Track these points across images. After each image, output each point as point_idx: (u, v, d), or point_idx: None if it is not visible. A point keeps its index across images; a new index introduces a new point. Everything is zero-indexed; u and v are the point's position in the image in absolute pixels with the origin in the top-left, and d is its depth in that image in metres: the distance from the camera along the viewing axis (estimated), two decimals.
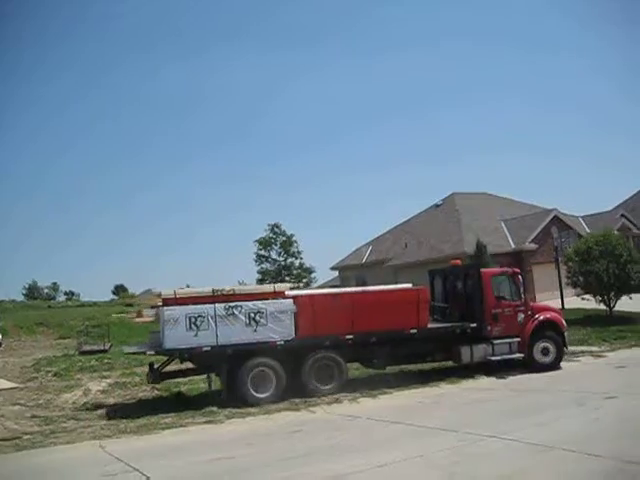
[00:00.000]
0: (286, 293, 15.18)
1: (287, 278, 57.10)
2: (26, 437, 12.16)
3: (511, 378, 15.68)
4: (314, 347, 14.81)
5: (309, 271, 60.47)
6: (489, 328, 16.37)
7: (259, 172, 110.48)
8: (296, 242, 58.94)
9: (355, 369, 16.70)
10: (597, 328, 23.48)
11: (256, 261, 58.84)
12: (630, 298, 25.65)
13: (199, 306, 14.02)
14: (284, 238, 58.72)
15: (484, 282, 16.73)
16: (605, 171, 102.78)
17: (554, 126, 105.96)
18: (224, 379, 14.29)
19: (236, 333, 14.11)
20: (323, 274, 60.52)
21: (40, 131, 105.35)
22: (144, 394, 16.35)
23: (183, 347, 13.94)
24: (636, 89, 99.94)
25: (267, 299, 14.66)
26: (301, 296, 15.51)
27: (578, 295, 27.43)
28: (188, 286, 38.01)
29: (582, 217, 41.74)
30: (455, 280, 17.89)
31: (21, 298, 62.72)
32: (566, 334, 17.17)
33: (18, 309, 41.17)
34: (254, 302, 14.42)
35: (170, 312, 13.85)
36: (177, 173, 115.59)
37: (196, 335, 13.84)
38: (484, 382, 15.48)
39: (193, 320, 13.84)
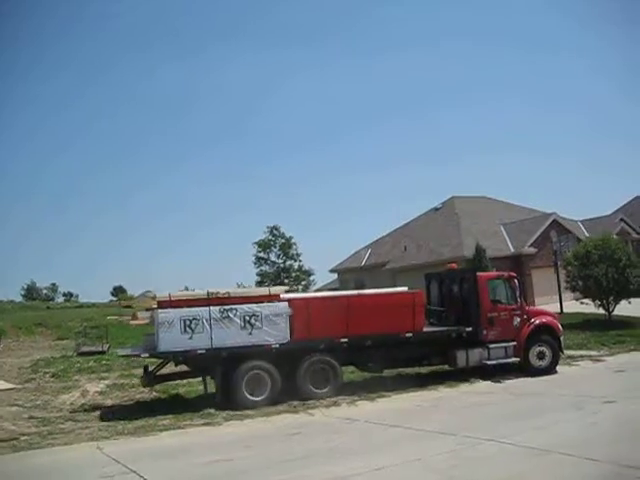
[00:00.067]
0: (281, 296, 15.15)
1: (286, 280, 57.10)
2: (23, 438, 12.13)
3: (509, 382, 15.68)
4: (309, 350, 14.78)
5: (308, 274, 60.48)
6: (485, 332, 16.35)
7: (258, 172, 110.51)
8: (295, 244, 59.00)
9: (353, 372, 16.71)
10: (596, 332, 23.50)
11: (255, 263, 58.87)
12: (629, 302, 25.65)
13: (194, 309, 13.99)
14: (283, 240, 58.75)
15: (480, 286, 16.72)
16: (604, 175, 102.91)
17: (554, 128, 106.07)
18: (218, 382, 14.27)
19: (231, 336, 14.08)
20: (322, 277, 60.74)
21: (37, 131, 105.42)
22: (142, 396, 16.32)
23: (177, 350, 13.91)
24: (636, 91, 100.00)
25: (262, 302, 14.62)
26: (296, 299, 15.50)
27: (577, 299, 27.42)
28: (187, 288, 38.13)
29: (581, 221, 41.79)
30: (451, 284, 17.88)
31: (19, 299, 62.73)
32: (562, 338, 17.20)
33: (17, 310, 41.07)
34: (249, 305, 14.39)
35: (164, 315, 13.81)
36: (175, 172, 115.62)
37: (191, 338, 13.81)
38: (483, 386, 15.47)
39: (188, 323, 13.80)
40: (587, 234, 36.22)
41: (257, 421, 12.82)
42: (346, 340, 15.00)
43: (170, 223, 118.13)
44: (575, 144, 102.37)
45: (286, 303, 14.75)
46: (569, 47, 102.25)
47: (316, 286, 58.37)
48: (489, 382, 15.74)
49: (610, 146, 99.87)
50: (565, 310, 28.58)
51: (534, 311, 17.87)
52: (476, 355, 16.14)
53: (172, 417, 13.24)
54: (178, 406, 14.34)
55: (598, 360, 18.62)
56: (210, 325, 13.93)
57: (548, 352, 16.61)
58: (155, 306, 14.84)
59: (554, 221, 37.06)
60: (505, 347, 16.39)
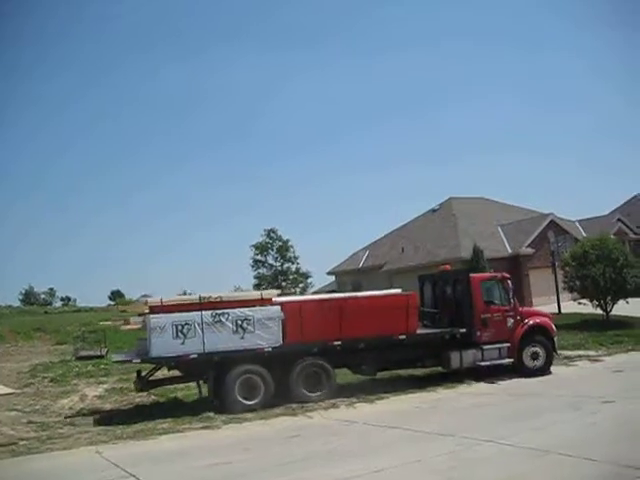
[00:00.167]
0: (273, 300, 15.12)
1: (284, 283, 57.24)
2: (22, 443, 12.12)
3: (506, 383, 15.70)
4: (302, 354, 14.76)
5: (305, 276, 60.65)
6: (478, 333, 16.35)
7: (258, 173, 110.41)
8: (292, 247, 59.11)
9: (351, 374, 16.67)
10: (594, 332, 23.53)
11: (253, 266, 59.00)
12: (627, 302, 25.68)
13: (186, 314, 13.95)
14: (280, 243, 58.85)
15: (473, 287, 16.72)
16: (601, 175, 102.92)
17: (552, 128, 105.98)
18: (211, 386, 14.26)
19: (223, 340, 14.05)
20: (320, 279, 60.61)
21: (39, 131, 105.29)
22: (141, 399, 16.31)
23: (170, 355, 13.87)
24: (634, 93, 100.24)
25: (254, 306, 14.59)
26: (288, 302, 15.48)
27: (575, 299, 27.46)
28: (185, 292, 38.08)
29: (578, 221, 41.87)
30: (444, 285, 17.90)
31: (17, 304, 62.69)
32: (556, 339, 17.21)
33: (14, 315, 41.07)
34: (241, 309, 14.37)
35: (156, 320, 13.78)
36: (175, 174, 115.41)
37: (183, 343, 13.78)
38: (481, 387, 15.48)
39: (180, 328, 13.77)
40: (584, 234, 36.28)
41: (256, 424, 12.82)
42: (339, 343, 14.97)
43: (168, 225, 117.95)
44: (572, 144, 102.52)
45: (278, 307, 14.73)
46: (567, 48, 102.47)
47: (314, 288, 58.52)
48: (489, 383, 15.74)
49: (608, 146, 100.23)
50: (563, 310, 28.64)
51: (528, 312, 17.86)
52: (470, 356, 16.13)
53: (171, 421, 13.23)
54: (177, 410, 14.32)
55: (596, 360, 18.65)
56: (202, 330, 13.90)
57: (542, 352, 16.61)
58: (147, 311, 14.80)
59: (551, 221, 37.12)
60: (499, 348, 16.39)
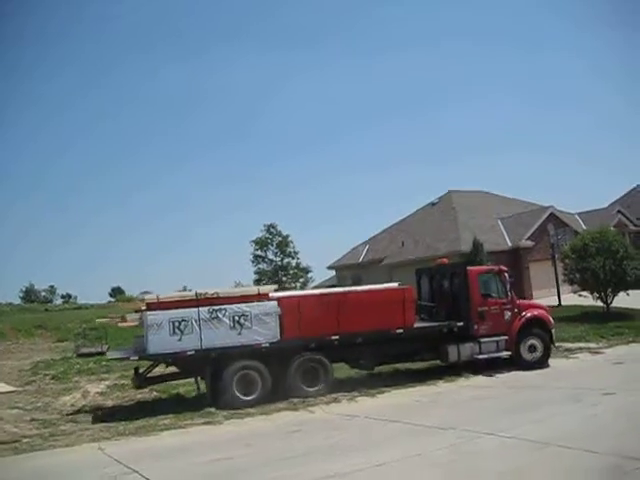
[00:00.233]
0: (270, 295, 15.11)
1: (284, 278, 57.25)
2: (25, 440, 12.15)
3: (506, 376, 15.73)
4: (300, 349, 14.75)
5: (306, 271, 60.64)
6: (476, 327, 16.36)
7: (258, 172, 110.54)
8: (292, 242, 59.11)
9: (351, 369, 16.69)
10: (594, 325, 23.54)
11: (253, 261, 59.00)
12: (627, 294, 25.70)
13: (182, 310, 13.94)
14: (280, 238, 58.85)
15: (470, 280, 16.72)
16: (601, 168, 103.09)
17: (551, 124, 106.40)
18: (208, 383, 14.27)
19: (220, 336, 14.04)
20: (320, 274, 60.59)
21: (39, 130, 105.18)
22: (142, 396, 16.34)
23: (167, 352, 13.87)
24: (631, 89, 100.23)
25: (251, 301, 14.58)
26: (285, 298, 15.41)
27: (575, 292, 27.49)
28: (185, 288, 38.08)
29: (578, 214, 41.83)
30: (442, 279, 17.89)
31: (18, 301, 62.67)
32: (553, 331, 17.21)
33: (15, 312, 41.08)
34: (238, 305, 14.35)
35: (153, 317, 13.77)
36: (175, 173, 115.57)
37: (180, 339, 13.77)
38: (481, 380, 15.50)
39: (177, 324, 13.76)
40: (584, 227, 36.29)
41: (257, 419, 12.85)
42: (337, 337, 14.98)
43: (169, 223, 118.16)
44: (572, 140, 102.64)
45: (275, 302, 14.72)
46: (567, 48, 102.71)
47: (314, 283, 58.52)
48: (487, 376, 15.77)
49: (607, 140, 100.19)
50: (563, 303, 28.67)
51: (525, 304, 17.85)
52: (467, 350, 16.14)
53: (173, 417, 13.26)
54: (178, 406, 14.36)
55: (597, 352, 18.67)
56: (199, 326, 13.90)
57: (539, 345, 16.62)
58: (144, 308, 14.81)
59: (551, 214, 37.09)
60: (496, 341, 16.40)
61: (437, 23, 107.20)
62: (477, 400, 13.01)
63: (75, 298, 73.44)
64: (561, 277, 28.77)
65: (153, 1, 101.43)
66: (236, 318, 14.23)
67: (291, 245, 59.20)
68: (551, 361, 17.10)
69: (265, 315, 14.45)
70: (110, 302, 58.67)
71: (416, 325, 16.09)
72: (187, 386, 16.49)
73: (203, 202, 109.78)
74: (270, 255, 59.19)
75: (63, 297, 79.12)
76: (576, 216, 41.18)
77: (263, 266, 58.98)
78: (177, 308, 13.98)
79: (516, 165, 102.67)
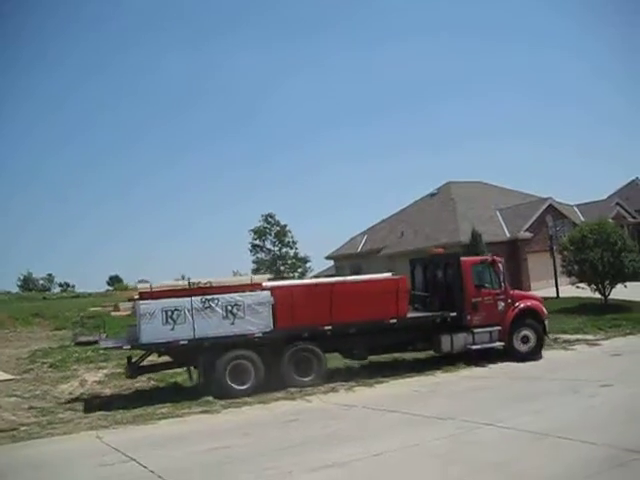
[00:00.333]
0: (263, 285, 15.09)
1: (282, 268, 57.29)
2: (23, 428, 12.17)
3: (501, 366, 15.77)
4: (293, 339, 14.76)
5: (304, 261, 60.73)
6: (469, 317, 16.37)
7: (258, 162, 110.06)
8: (290, 232, 59.16)
9: (344, 359, 16.69)
10: (592, 316, 23.57)
11: (251, 251, 59.08)
12: (625, 286, 25.70)
13: (175, 300, 13.92)
14: (278, 228, 58.87)
15: (464, 271, 16.71)
16: (600, 160, 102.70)
17: (550, 116, 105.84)
18: (201, 372, 14.27)
19: (213, 326, 14.04)
20: (319, 263, 60.59)
21: (39, 122, 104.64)
22: (140, 384, 16.34)
23: (160, 341, 13.86)
24: (632, 87, 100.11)
25: (244, 291, 14.57)
26: (279, 287, 15.42)
27: (573, 284, 27.48)
28: (183, 277, 38.01)
29: (577, 206, 41.77)
30: (435, 269, 17.88)
31: (16, 289, 62.62)
32: (546, 322, 17.22)
33: (13, 300, 40.99)
34: (231, 295, 14.33)
35: (146, 306, 13.75)
36: (176, 163, 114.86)
37: (173, 329, 13.76)
38: (479, 370, 15.53)
39: (169, 314, 13.75)
40: (583, 218, 36.25)
41: (255, 408, 12.87)
42: (330, 328, 14.97)
43: (169, 212, 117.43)
44: (571, 130, 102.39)
45: (268, 292, 14.70)
46: (567, 39, 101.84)
47: (313, 273, 58.58)
48: (485, 367, 15.80)
49: (606, 132, 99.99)
50: (561, 294, 28.67)
51: (519, 295, 17.83)
52: (461, 340, 16.15)
53: (170, 405, 13.27)
54: (176, 394, 14.36)
55: (594, 344, 18.69)
56: (192, 315, 13.88)
57: (532, 336, 16.63)
58: (137, 297, 14.76)
59: (550, 206, 37.03)
60: (490, 332, 16.40)
61: (437, 14, 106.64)
62: (476, 391, 13.03)
63: (73, 287, 73.44)
64: (559, 269, 28.76)
65: None
66: (229, 308, 14.21)
67: (289, 235, 59.33)
68: (549, 352, 17.16)
69: (258, 305, 14.43)
70: (108, 291, 58.65)
71: (409, 315, 16.10)
72: (184, 375, 16.48)
73: (203, 192, 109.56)
74: (268, 245, 59.29)
75: (61, 285, 79.06)
76: (575, 208, 41.13)
77: (261, 255, 59.07)
78: (170, 297, 13.96)
79: (515, 156, 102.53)
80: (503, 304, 16.72)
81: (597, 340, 19.38)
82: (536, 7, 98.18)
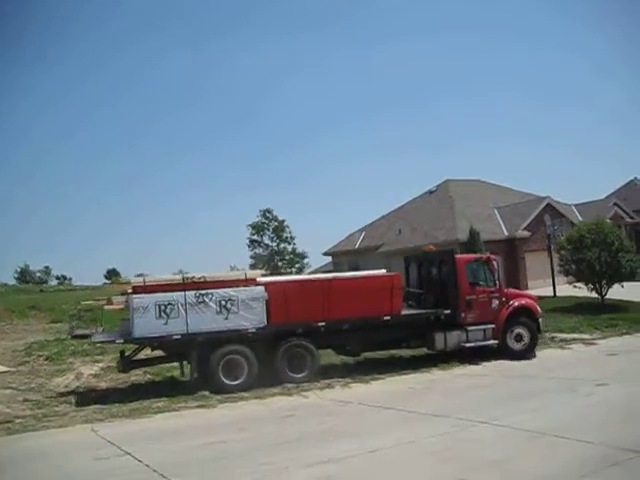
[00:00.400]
0: (258, 280, 15.06)
1: (280, 263, 57.26)
2: (18, 421, 12.14)
3: (495, 364, 15.77)
4: (286, 334, 14.73)
5: (302, 256, 60.66)
6: (463, 315, 16.33)
7: (258, 159, 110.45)
8: (288, 227, 59.10)
9: (338, 355, 16.68)
10: (589, 316, 23.57)
11: (249, 246, 59.03)
12: (622, 286, 25.72)
13: (169, 294, 13.87)
14: (276, 223, 58.82)
15: (458, 268, 16.65)
16: (598, 160, 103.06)
17: (550, 116, 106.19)
18: (194, 367, 14.22)
19: (207, 321, 14.01)
20: (316, 259, 60.70)
21: (40, 117, 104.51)
22: (136, 378, 16.31)
23: (153, 335, 13.83)
24: (633, 85, 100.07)
25: (238, 286, 14.52)
26: (273, 283, 15.36)
27: (570, 283, 27.47)
28: (181, 271, 37.97)
29: (575, 205, 41.79)
30: (430, 266, 17.84)
31: (13, 282, 62.48)
32: (541, 320, 17.21)
33: (10, 293, 40.93)
34: (225, 290, 14.30)
35: (139, 300, 13.70)
36: (176, 160, 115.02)
37: (166, 323, 13.73)
38: (476, 368, 15.54)
39: (163, 308, 13.71)
40: (580, 218, 36.30)
41: (251, 403, 12.87)
42: (323, 324, 14.95)
43: (167, 208, 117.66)
44: (570, 130, 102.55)
45: (262, 287, 14.66)
46: (567, 39, 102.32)
47: (310, 269, 58.55)
48: (479, 365, 15.80)
49: (605, 132, 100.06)
50: (558, 294, 28.70)
51: (513, 293, 17.82)
52: (454, 337, 16.12)
53: (166, 399, 13.27)
54: (172, 389, 14.35)
55: (591, 343, 18.69)
56: (185, 310, 13.84)
57: (526, 334, 16.61)
58: (130, 291, 14.71)
59: (548, 205, 37.05)
60: (484, 329, 16.37)
61: (437, 13, 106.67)
62: (471, 388, 13.04)
63: (70, 280, 73.38)
64: (557, 268, 28.76)
65: None
66: (223, 303, 14.18)
67: (287, 230, 59.26)
68: (545, 351, 17.17)
69: (252, 300, 14.39)
70: (105, 284, 58.57)
71: (403, 312, 16.06)
72: None
73: (203, 188, 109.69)
74: (266, 240, 59.22)
75: (58, 278, 79.02)
76: (573, 207, 41.15)
77: (259, 251, 59.01)
78: (163, 291, 13.91)
79: (514, 155, 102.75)
80: (497, 302, 16.71)
81: (593, 339, 19.39)
82: (536, 6, 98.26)
